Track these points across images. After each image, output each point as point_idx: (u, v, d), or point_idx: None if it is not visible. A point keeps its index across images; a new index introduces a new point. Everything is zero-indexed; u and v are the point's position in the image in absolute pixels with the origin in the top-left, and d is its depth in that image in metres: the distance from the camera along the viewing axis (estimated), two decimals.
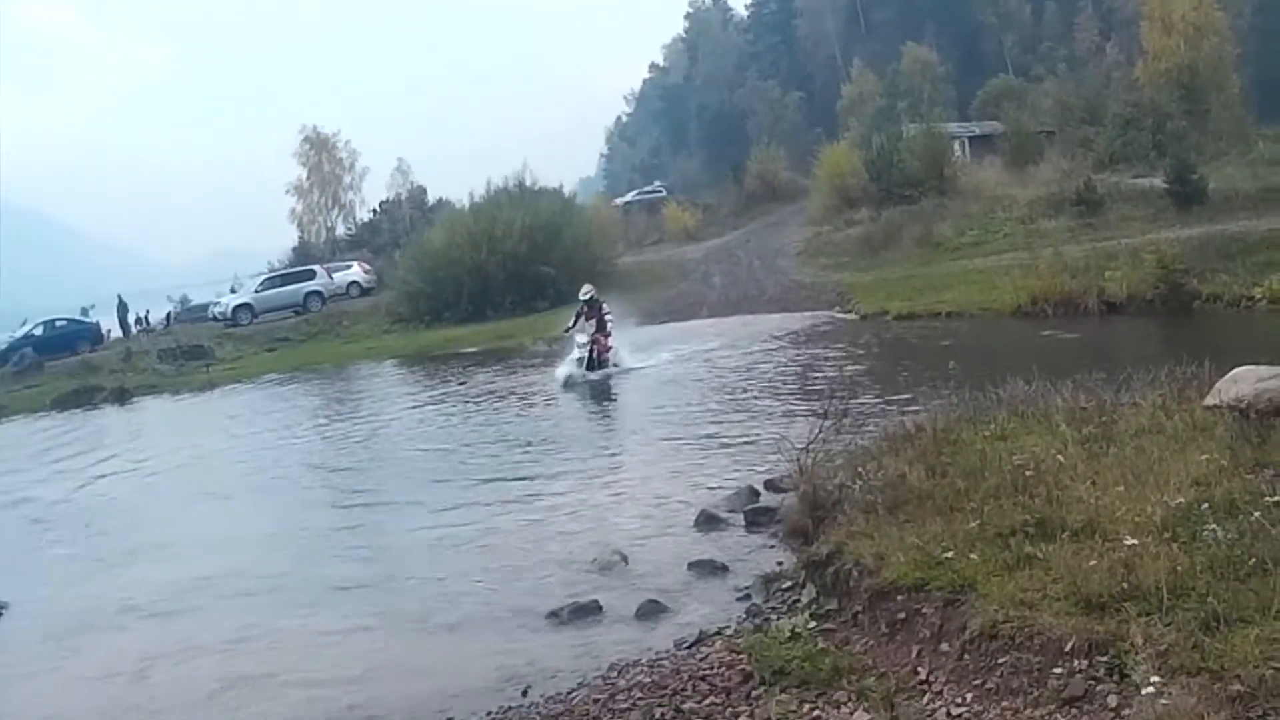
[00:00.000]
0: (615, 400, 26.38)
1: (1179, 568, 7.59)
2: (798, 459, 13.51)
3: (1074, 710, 7.00)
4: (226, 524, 19.38)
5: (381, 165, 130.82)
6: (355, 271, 63.00)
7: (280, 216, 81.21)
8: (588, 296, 31.01)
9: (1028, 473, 10.39)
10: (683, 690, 9.14)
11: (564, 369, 30.12)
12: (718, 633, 10.56)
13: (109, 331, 60.06)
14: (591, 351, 29.85)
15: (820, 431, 14.13)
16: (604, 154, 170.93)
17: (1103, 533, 8.63)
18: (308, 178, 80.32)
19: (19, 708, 11.77)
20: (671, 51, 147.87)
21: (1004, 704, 7.45)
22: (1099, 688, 7.02)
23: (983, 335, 29.53)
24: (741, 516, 14.63)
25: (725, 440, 20.12)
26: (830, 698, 8.37)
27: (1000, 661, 7.76)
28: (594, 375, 29.56)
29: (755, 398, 24.08)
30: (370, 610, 13.25)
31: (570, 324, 31.17)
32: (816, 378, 25.77)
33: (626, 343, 31.81)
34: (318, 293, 58.67)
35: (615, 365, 30.49)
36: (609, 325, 30.91)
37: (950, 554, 9.08)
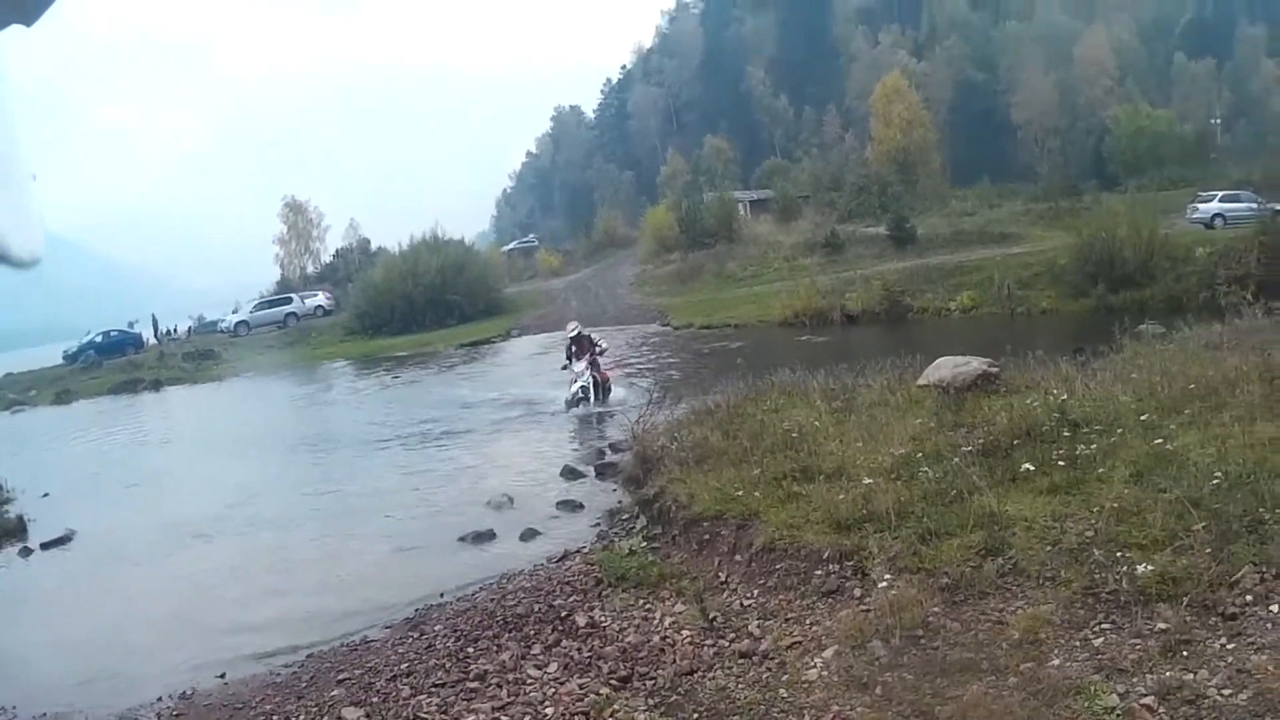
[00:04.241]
0: (505, 386, 25.70)
1: (902, 498, 7.62)
2: (632, 428, 13.43)
3: (830, 600, 6.99)
4: (234, 473, 18.81)
5: (339, 221, 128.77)
6: (320, 298, 61.30)
7: (268, 258, 79.00)
8: (574, 333, 20.99)
9: (794, 435, 10.40)
10: (553, 591, 9.11)
11: (570, 393, 20.52)
12: (578, 551, 10.53)
13: (148, 339, 58.37)
14: (594, 381, 20.46)
15: (647, 407, 14.08)
16: (494, 215, 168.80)
17: (848, 475, 8.64)
18: (287, 231, 78.52)
19: (95, 620, 11.11)
20: (541, 142, 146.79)
21: (780, 597, 7.38)
22: (848, 584, 7.05)
23: (760, 340, 29.82)
24: (593, 469, 14.60)
25: (582, 415, 19.92)
26: (658, 594, 8.39)
27: (777, 567, 7.71)
28: (600, 407, 20.24)
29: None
30: (337, 539, 13.15)
31: (565, 363, 21.00)
32: (644, 370, 25.70)
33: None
34: (294, 313, 57.33)
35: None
36: (601, 356, 21.06)
37: (740, 492, 9.03)
